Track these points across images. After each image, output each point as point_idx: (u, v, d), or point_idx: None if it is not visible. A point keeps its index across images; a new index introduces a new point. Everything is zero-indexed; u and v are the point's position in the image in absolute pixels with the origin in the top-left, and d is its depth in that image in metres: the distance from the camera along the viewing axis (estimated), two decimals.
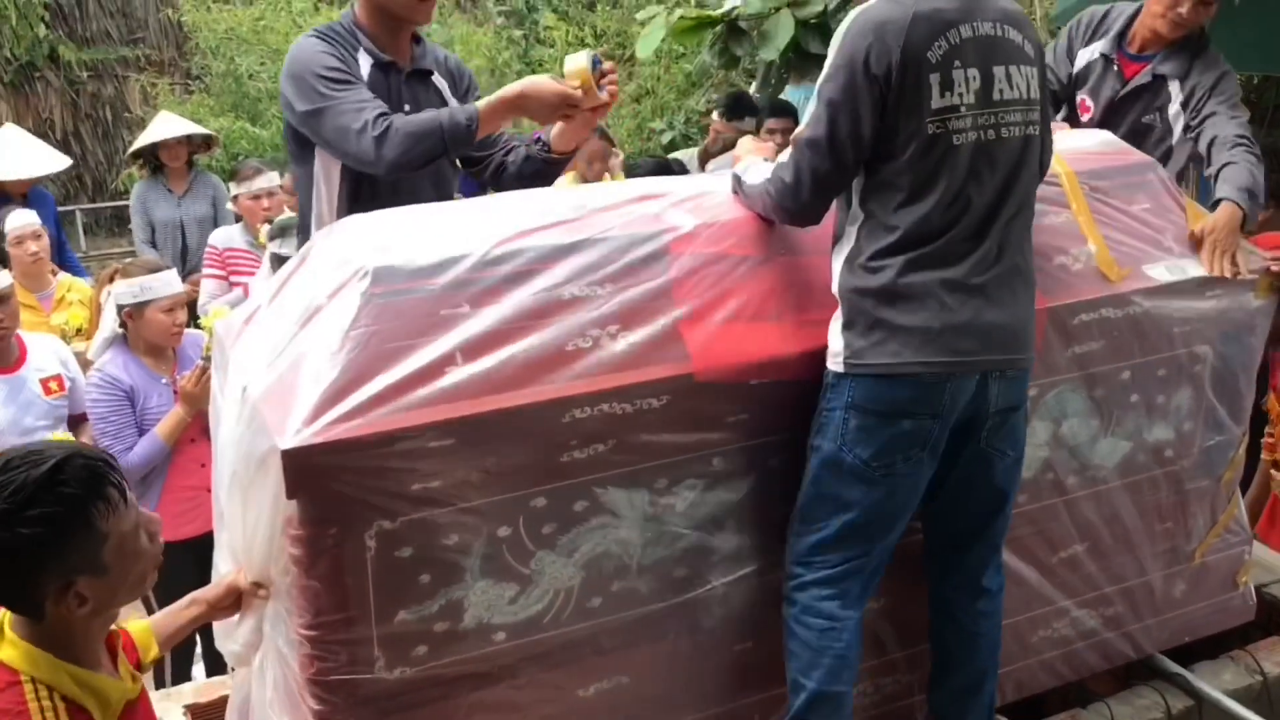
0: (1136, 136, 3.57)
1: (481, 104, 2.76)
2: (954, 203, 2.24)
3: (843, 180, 2.30)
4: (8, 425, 3.50)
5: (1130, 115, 3.71)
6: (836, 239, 2.35)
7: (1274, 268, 2.82)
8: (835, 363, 2.30)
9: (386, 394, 2.04)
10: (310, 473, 1.98)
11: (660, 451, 2.27)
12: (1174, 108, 3.60)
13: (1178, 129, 3.59)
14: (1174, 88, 3.62)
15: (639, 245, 2.35)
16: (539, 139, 3.01)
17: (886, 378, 2.24)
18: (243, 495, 2.19)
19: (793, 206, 2.35)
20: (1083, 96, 3.82)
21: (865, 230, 2.29)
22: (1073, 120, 3.87)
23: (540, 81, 2.74)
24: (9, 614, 1.72)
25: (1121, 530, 2.80)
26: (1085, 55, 3.84)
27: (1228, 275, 2.75)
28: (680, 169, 5.14)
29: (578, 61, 2.71)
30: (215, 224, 5.60)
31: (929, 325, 2.23)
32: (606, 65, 2.79)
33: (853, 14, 2.29)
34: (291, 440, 1.97)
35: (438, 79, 3.04)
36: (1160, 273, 2.70)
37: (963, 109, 2.23)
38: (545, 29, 11.16)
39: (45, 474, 1.61)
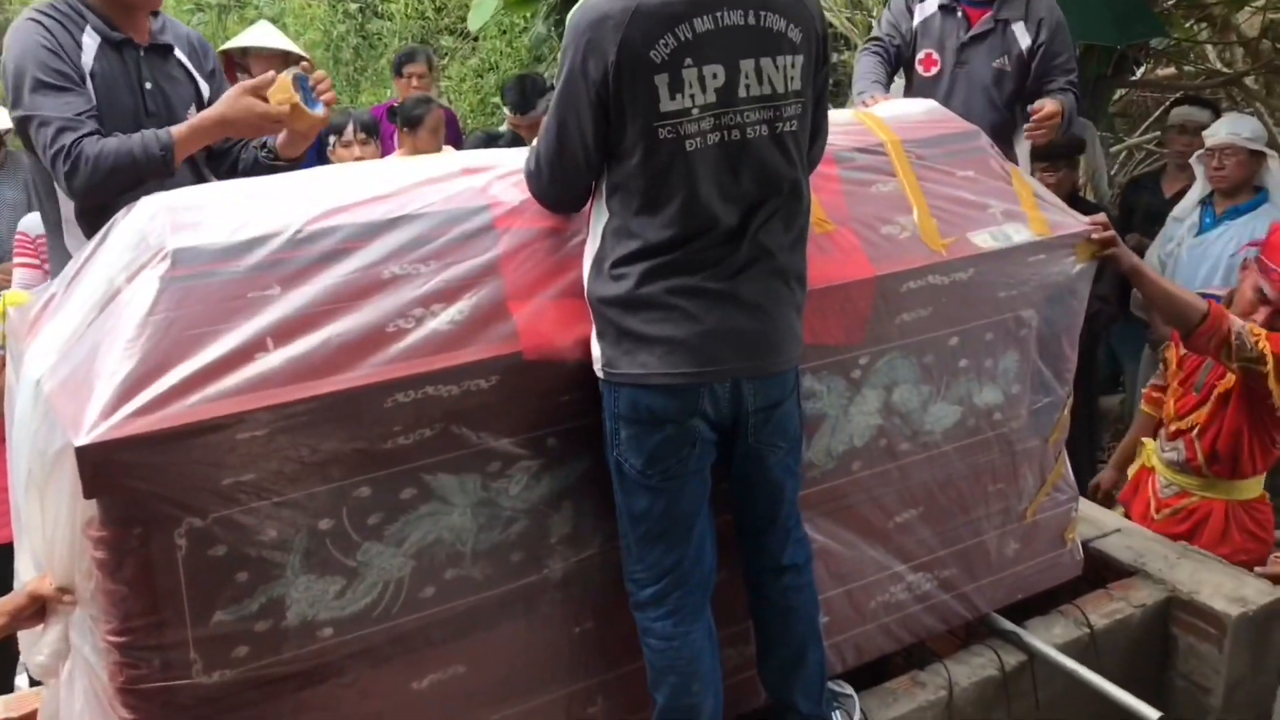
0: (987, 82, 3.73)
1: (181, 129, 2.70)
2: (693, 209, 2.12)
3: (579, 175, 2.21)
4: None
5: (978, 61, 3.82)
6: (588, 237, 2.27)
7: (1095, 235, 2.89)
8: (598, 370, 2.24)
9: (190, 383, 1.92)
10: (109, 470, 1.85)
11: (491, 432, 2.20)
12: (1021, 47, 3.75)
13: (1029, 69, 3.81)
14: (1019, 29, 3.76)
15: (463, 220, 2.26)
16: (265, 145, 3.00)
17: (642, 387, 2.19)
18: (40, 496, 2.05)
19: (537, 190, 2.29)
20: (928, 50, 3.92)
21: (610, 231, 2.19)
22: (914, 77, 3.96)
23: (241, 104, 2.68)
24: None
25: (955, 493, 2.85)
26: (923, 10, 3.93)
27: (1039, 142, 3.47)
28: (510, 142, 5.02)
29: (282, 80, 2.69)
30: (28, 209, 5.25)
31: (672, 335, 2.16)
32: (317, 77, 2.79)
33: (579, 3, 2.16)
34: (86, 436, 1.84)
35: (180, 54, 2.94)
36: (985, 240, 2.75)
37: (695, 111, 2.09)
38: (382, 1, 10.87)
39: None
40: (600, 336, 2.22)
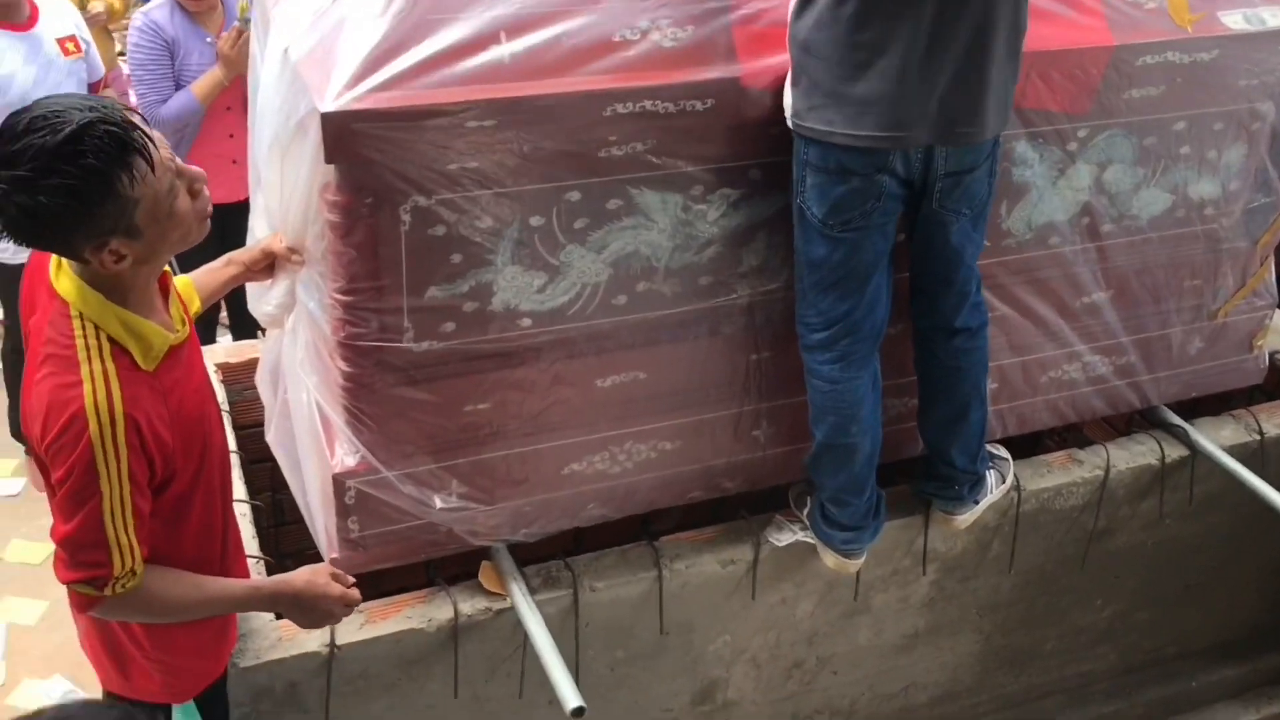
0: None
1: None
2: None
3: None
4: (33, 85, 3.47)
5: None
6: None
7: None
8: (787, 118, 2.22)
9: (428, 65, 2.02)
10: (349, 138, 1.98)
11: (699, 156, 2.25)
12: None
13: None
14: None
15: None
16: None
17: (829, 143, 2.17)
18: (281, 159, 2.21)
19: None
20: None
21: None
22: None
23: None
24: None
25: (1149, 282, 2.80)
26: None
27: None
28: None
29: None
30: None
31: (865, 95, 2.11)
32: None
33: None
34: (331, 104, 1.96)
35: None
36: (1236, 20, 2.58)
37: None
38: None
39: (62, 143, 1.52)
40: (793, 84, 2.20)
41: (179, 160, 1.73)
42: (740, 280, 2.41)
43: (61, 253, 1.68)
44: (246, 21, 3.66)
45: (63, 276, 1.72)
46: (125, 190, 1.59)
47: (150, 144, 1.63)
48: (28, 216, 1.56)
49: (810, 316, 2.36)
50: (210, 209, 1.80)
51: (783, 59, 2.22)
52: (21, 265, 3.49)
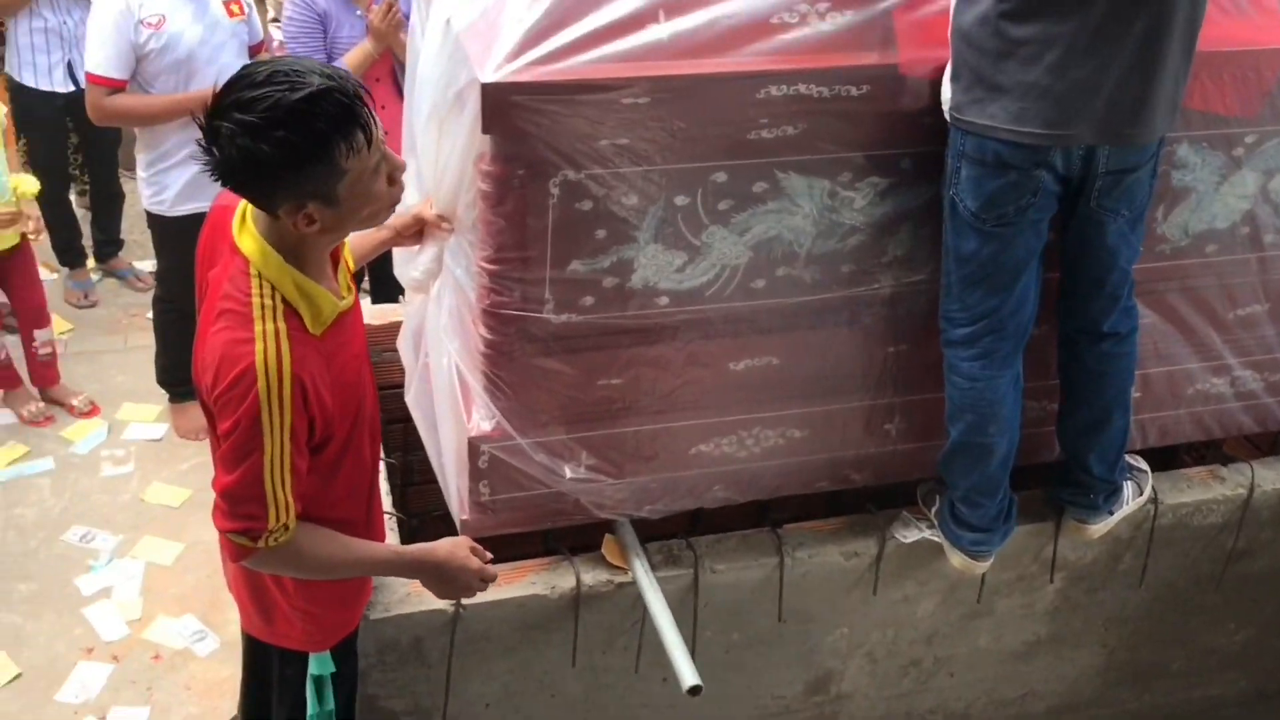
0: None
1: None
2: None
3: None
4: (198, 44, 3.60)
5: None
6: None
7: None
8: (945, 110, 2.19)
9: (587, 41, 2.04)
10: (506, 110, 2.02)
11: (850, 143, 2.23)
12: None
13: None
14: None
15: None
16: None
17: (988, 137, 2.13)
18: (439, 128, 2.26)
19: None
20: None
21: None
22: None
23: None
24: (251, 205, 1.79)
25: None
26: None
27: None
28: None
29: None
30: None
31: (1028, 90, 2.07)
32: None
33: None
34: (492, 75, 2.00)
35: None
36: None
37: None
38: None
39: (298, 101, 1.59)
40: (954, 77, 2.17)
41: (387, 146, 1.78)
42: (883, 270, 2.38)
43: (260, 203, 1.73)
44: None
45: (245, 235, 1.78)
46: (339, 159, 1.66)
47: (372, 121, 1.69)
48: (245, 160, 1.62)
49: (955, 311, 2.32)
50: (400, 198, 1.85)
51: (942, 50, 2.19)
52: (178, 218, 3.68)
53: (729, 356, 2.38)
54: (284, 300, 1.76)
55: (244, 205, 1.80)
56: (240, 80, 1.63)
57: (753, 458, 2.47)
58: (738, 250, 2.29)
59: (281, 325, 1.74)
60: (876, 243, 2.36)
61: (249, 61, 3.66)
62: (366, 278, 4.35)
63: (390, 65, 3.83)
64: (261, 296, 1.74)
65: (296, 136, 1.60)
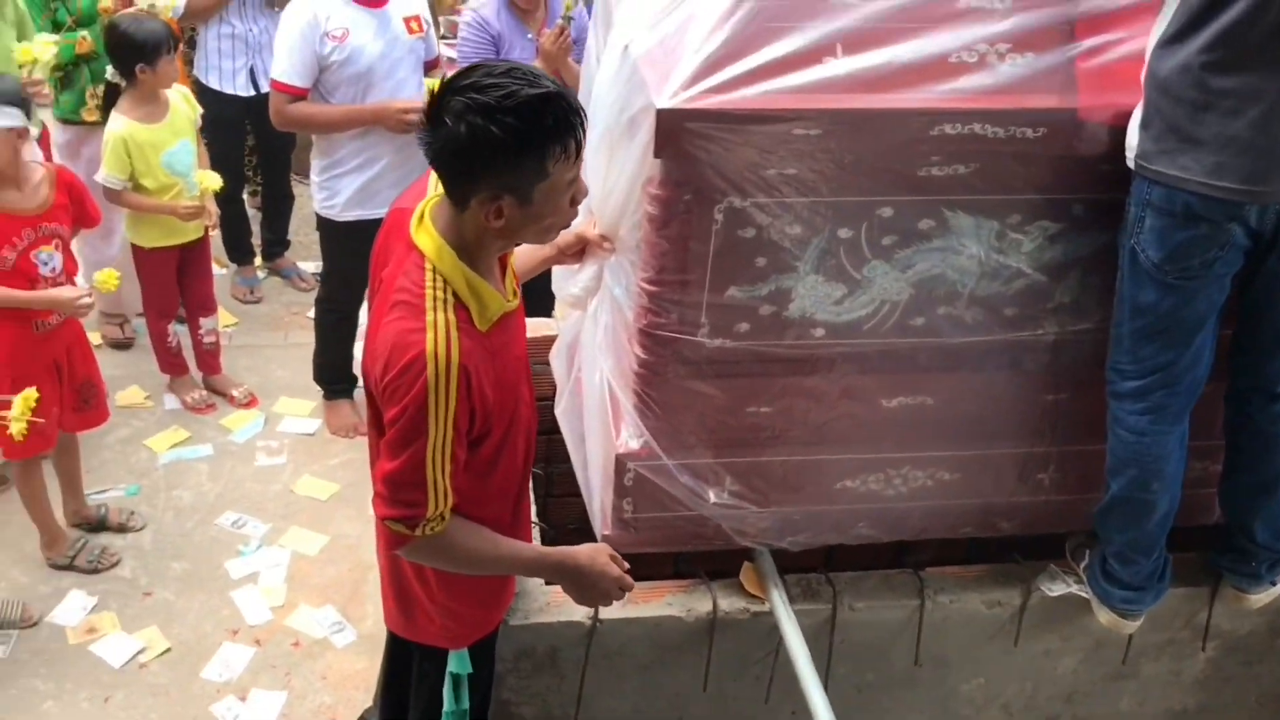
0: None
1: None
2: None
3: None
4: (378, 58, 3.72)
5: None
6: (1161, 7, 2.10)
7: None
8: (1129, 159, 2.13)
9: (763, 72, 2.06)
10: (679, 136, 2.05)
11: (1022, 185, 2.20)
12: None
13: None
14: None
15: None
16: None
17: (1177, 188, 2.06)
18: (609, 151, 2.30)
19: None
20: None
21: (1183, 9, 2.02)
22: None
23: None
24: (431, 204, 1.87)
25: None
26: None
27: None
28: None
29: None
30: None
31: (1224, 144, 2.00)
32: None
33: None
34: (667, 101, 2.03)
35: None
36: None
37: None
38: None
39: (536, 97, 1.68)
40: (1144, 125, 2.12)
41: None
42: (1048, 316, 2.34)
43: (460, 186, 1.79)
44: (569, 20, 3.85)
45: (422, 232, 1.86)
46: (548, 161, 1.74)
47: (584, 139, 1.78)
48: (470, 137, 1.70)
49: (1125, 363, 2.26)
50: (570, 224, 1.93)
51: (1124, 97, 2.15)
52: (346, 223, 3.81)
53: (883, 392, 2.36)
54: (455, 294, 1.83)
55: (422, 206, 1.88)
56: (478, 69, 1.73)
57: (899, 497, 2.44)
58: (899, 286, 2.27)
59: (452, 317, 1.80)
60: (1043, 287, 2.32)
61: (423, 77, 3.84)
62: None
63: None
64: (435, 289, 1.81)
65: (523, 126, 1.69)
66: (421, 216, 1.87)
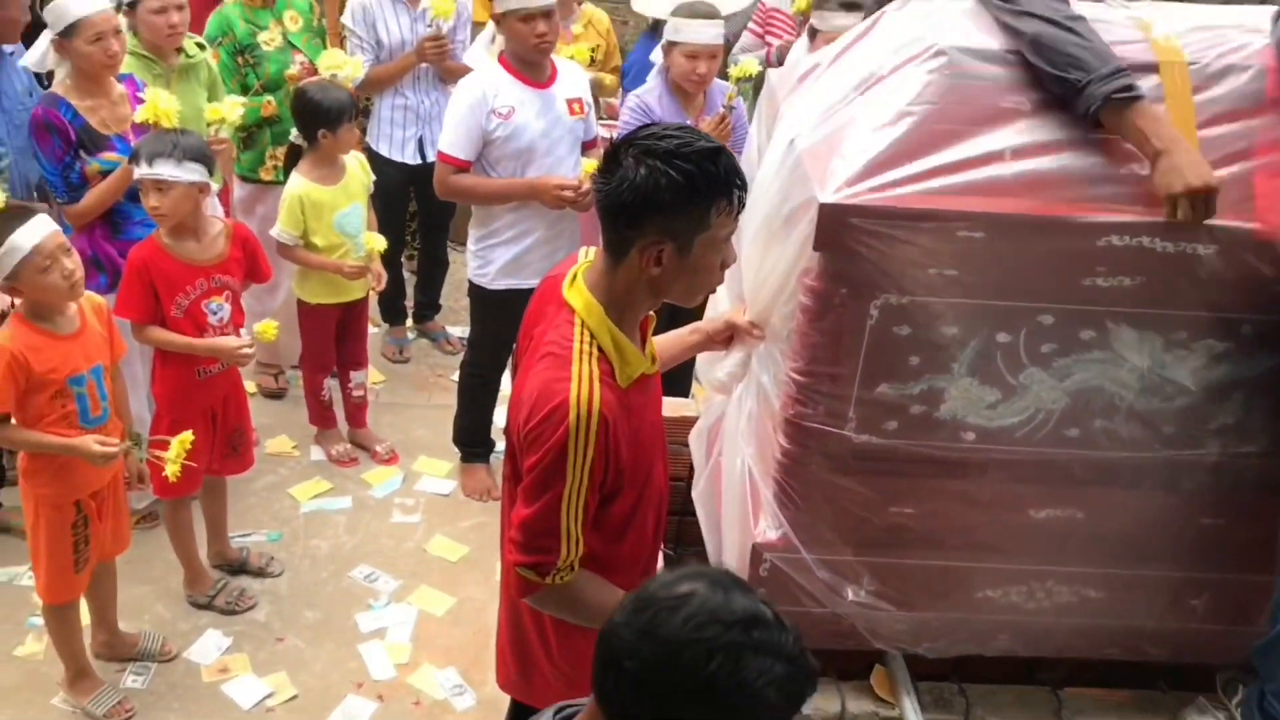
0: None
1: None
2: None
3: None
4: (539, 136, 3.84)
5: None
6: None
7: None
8: None
9: (930, 173, 2.07)
10: (840, 230, 2.06)
11: (1189, 301, 2.15)
12: None
13: None
14: None
15: (1230, 76, 2.16)
16: None
17: None
18: (767, 239, 2.32)
19: None
20: None
21: None
22: None
23: None
24: (583, 268, 1.98)
25: None
26: None
27: None
28: None
29: None
30: None
31: None
32: None
33: None
34: (831, 195, 2.05)
35: None
36: None
37: None
38: None
39: (707, 150, 1.81)
40: None
41: None
42: (1210, 437, 2.26)
43: (624, 232, 1.87)
44: (731, 109, 3.93)
45: (574, 291, 1.95)
46: (710, 212, 1.84)
47: (745, 200, 1.88)
48: (645, 181, 1.81)
49: None
50: (717, 288, 2.02)
51: None
52: (497, 291, 3.92)
53: (1032, 502, 2.30)
54: (600, 348, 1.91)
55: (575, 269, 1.99)
56: (654, 126, 1.89)
57: (1042, 611, 2.37)
58: (1055, 395, 2.22)
59: (595, 369, 1.88)
60: (1205, 407, 2.24)
61: (581, 157, 3.94)
62: None
63: None
64: (582, 342, 1.90)
65: (694, 174, 1.80)
66: (574, 278, 1.98)
